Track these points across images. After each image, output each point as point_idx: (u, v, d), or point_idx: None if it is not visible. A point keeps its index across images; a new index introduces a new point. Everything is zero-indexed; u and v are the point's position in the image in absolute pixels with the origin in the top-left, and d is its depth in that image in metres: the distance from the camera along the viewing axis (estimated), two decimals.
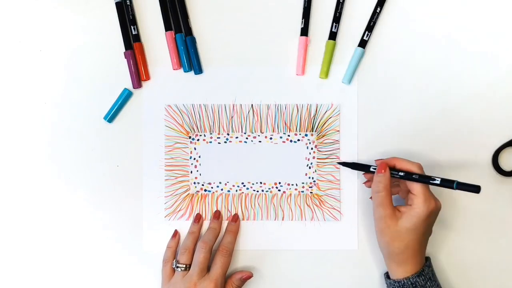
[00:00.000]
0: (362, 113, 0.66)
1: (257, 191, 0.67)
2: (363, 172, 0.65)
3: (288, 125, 0.67)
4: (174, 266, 0.63)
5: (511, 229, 0.66)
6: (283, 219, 0.67)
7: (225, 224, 0.66)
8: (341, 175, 0.66)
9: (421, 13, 0.67)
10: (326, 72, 0.66)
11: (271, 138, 0.67)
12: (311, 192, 0.66)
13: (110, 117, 0.66)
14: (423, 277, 0.59)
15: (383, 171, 0.59)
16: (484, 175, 0.66)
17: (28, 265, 0.67)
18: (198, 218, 0.66)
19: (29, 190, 0.67)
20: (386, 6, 0.67)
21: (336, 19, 0.66)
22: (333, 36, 0.66)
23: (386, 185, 0.59)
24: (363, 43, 0.66)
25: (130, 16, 0.66)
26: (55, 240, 0.67)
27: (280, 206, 0.67)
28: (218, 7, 0.67)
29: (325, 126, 0.67)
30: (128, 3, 0.66)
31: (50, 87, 0.67)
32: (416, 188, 0.58)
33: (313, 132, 0.67)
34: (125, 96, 0.66)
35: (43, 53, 0.67)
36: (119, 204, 0.66)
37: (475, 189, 0.55)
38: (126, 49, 0.66)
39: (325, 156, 0.66)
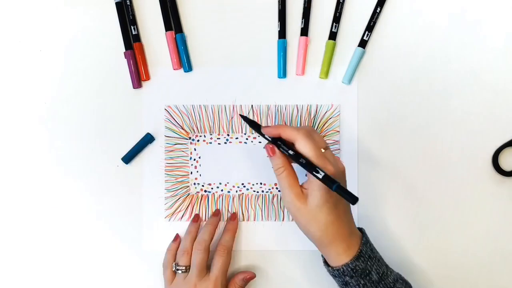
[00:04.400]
0: (362, 113, 0.66)
1: (257, 192, 0.67)
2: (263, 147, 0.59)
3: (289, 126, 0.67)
4: (174, 269, 0.63)
5: (511, 229, 0.66)
6: (283, 220, 0.66)
7: (223, 224, 0.66)
8: None
9: (421, 13, 0.67)
10: (326, 72, 0.66)
11: None
12: None
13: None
14: (362, 258, 0.54)
15: (271, 154, 0.54)
16: (484, 175, 0.66)
17: (28, 265, 0.66)
18: (196, 218, 0.66)
19: (28, 190, 0.66)
20: (386, 6, 0.67)
21: (336, 19, 0.66)
22: (333, 36, 0.67)
23: (284, 163, 0.54)
24: (363, 43, 0.66)
25: (130, 16, 0.66)
26: (55, 240, 0.66)
27: (281, 206, 0.66)
28: (218, 7, 0.67)
29: (325, 126, 0.67)
30: (128, 3, 0.66)
31: (50, 87, 0.67)
32: (304, 152, 0.52)
33: None
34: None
35: (43, 53, 0.67)
36: (119, 204, 0.66)
37: (352, 200, 0.48)
38: (126, 49, 0.66)
39: None
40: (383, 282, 0.55)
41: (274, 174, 0.56)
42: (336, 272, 0.55)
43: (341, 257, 0.54)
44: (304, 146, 0.52)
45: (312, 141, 0.53)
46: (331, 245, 0.54)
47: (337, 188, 0.49)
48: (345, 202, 0.54)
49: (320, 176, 0.50)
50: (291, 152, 0.53)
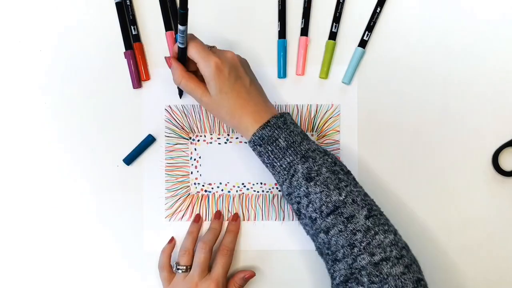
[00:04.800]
0: (362, 113, 0.66)
1: (258, 192, 0.67)
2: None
3: None
4: (174, 269, 0.63)
5: (511, 228, 0.66)
6: (283, 220, 0.67)
7: (225, 224, 0.66)
8: None
9: (421, 13, 0.67)
10: (326, 72, 0.66)
11: None
12: None
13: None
14: (268, 128, 0.56)
15: (169, 63, 0.59)
16: (484, 175, 0.66)
17: (28, 265, 0.66)
18: (198, 219, 0.66)
19: (28, 190, 0.66)
20: (386, 6, 0.67)
21: (336, 19, 0.66)
22: (333, 36, 0.67)
23: (181, 71, 0.58)
24: (363, 43, 0.66)
25: (130, 16, 0.66)
26: (55, 240, 0.66)
27: (281, 206, 0.67)
28: (218, 7, 0.67)
29: (325, 126, 0.67)
30: (128, 3, 0.66)
31: (50, 87, 0.67)
32: (191, 54, 0.57)
33: (313, 132, 0.67)
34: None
35: (43, 53, 0.67)
36: (119, 204, 0.66)
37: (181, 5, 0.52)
38: (126, 49, 0.66)
39: None
40: (292, 149, 0.56)
41: (178, 85, 0.60)
42: (250, 145, 0.58)
43: (250, 131, 0.57)
44: (191, 48, 0.57)
45: (197, 42, 0.57)
46: (240, 124, 0.58)
47: (179, 7, 0.52)
48: (246, 82, 0.58)
49: (179, 23, 0.53)
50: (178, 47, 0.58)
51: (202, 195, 0.67)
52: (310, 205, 0.55)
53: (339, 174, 0.56)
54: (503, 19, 0.67)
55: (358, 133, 0.66)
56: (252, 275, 0.64)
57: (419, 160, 0.66)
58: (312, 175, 0.55)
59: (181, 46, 0.57)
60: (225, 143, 0.67)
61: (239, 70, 0.58)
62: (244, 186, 0.67)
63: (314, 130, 0.67)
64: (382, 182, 0.66)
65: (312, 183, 0.55)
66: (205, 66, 0.56)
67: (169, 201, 0.66)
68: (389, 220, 0.56)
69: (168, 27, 0.66)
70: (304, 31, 0.67)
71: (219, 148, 0.67)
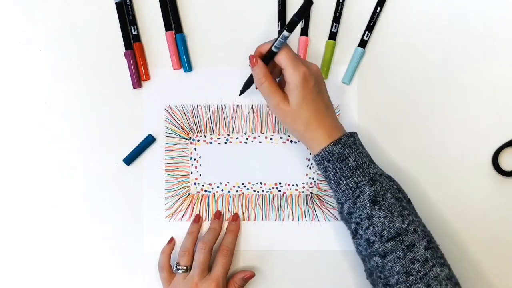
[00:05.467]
0: (362, 113, 0.66)
1: (258, 192, 0.67)
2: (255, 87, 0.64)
3: None
4: (174, 270, 0.63)
5: (511, 228, 0.66)
6: (283, 220, 0.67)
7: (225, 224, 0.66)
8: None
9: (421, 13, 0.67)
10: (326, 72, 0.66)
11: (271, 139, 0.67)
12: (311, 193, 0.66)
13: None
14: (340, 145, 0.57)
15: (255, 62, 0.59)
16: (484, 175, 0.66)
17: (28, 265, 0.66)
18: (198, 219, 0.66)
19: (28, 190, 0.66)
20: (386, 6, 0.67)
21: (336, 19, 0.66)
22: (333, 36, 0.67)
23: (265, 73, 0.58)
24: (363, 43, 0.66)
25: (130, 16, 0.66)
26: (55, 240, 0.66)
27: (281, 206, 0.67)
28: (218, 7, 0.67)
29: None
30: (128, 3, 0.66)
31: (49, 87, 0.67)
32: (281, 61, 0.57)
33: None
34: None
35: (43, 53, 0.67)
36: (119, 204, 0.66)
37: (307, 3, 0.54)
38: (126, 49, 0.66)
39: None
40: (360, 170, 0.57)
41: (257, 86, 0.60)
42: (317, 158, 0.58)
43: (321, 145, 0.58)
44: (282, 53, 0.57)
45: (290, 49, 0.58)
46: (313, 136, 0.58)
47: (295, 15, 0.54)
48: (325, 98, 0.60)
49: (286, 30, 0.55)
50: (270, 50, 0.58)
51: (202, 195, 0.67)
52: (371, 227, 0.56)
53: (403, 201, 0.57)
54: (503, 19, 0.67)
55: (358, 133, 0.66)
56: (252, 275, 0.64)
57: (419, 160, 0.66)
58: (378, 199, 0.56)
59: (275, 50, 0.57)
60: (225, 143, 0.67)
61: (321, 85, 0.59)
62: (244, 186, 0.67)
63: None
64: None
65: (377, 207, 0.56)
66: (293, 74, 0.56)
67: (169, 201, 0.67)
68: (444, 254, 0.58)
69: (168, 27, 0.66)
70: (304, 31, 0.67)
71: (219, 148, 0.67)
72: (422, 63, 0.67)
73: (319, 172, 0.60)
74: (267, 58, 0.59)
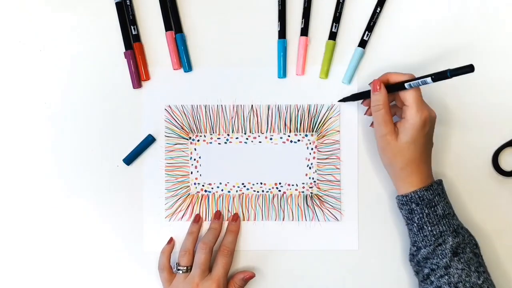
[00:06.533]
0: (362, 113, 0.66)
1: (258, 192, 0.67)
2: (362, 101, 0.65)
3: (288, 126, 0.67)
4: (174, 270, 0.63)
5: (511, 228, 0.66)
6: (283, 220, 0.67)
7: (225, 224, 0.66)
8: (342, 175, 0.66)
9: (421, 13, 0.67)
10: (326, 72, 0.66)
11: (271, 139, 0.67)
12: (311, 193, 0.66)
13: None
14: (431, 191, 0.58)
15: (378, 88, 0.59)
16: (484, 175, 0.66)
17: (28, 265, 0.66)
18: (198, 219, 0.66)
19: (28, 190, 0.66)
20: (386, 6, 0.67)
21: (336, 19, 0.66)
22: (333, 36, 0.67)
23: (384, 102, 0.59)
24: (363, 43, 0.66)
25: (130, 16, 0.66)
26: (55, 240, 0.66)
27: (281, 206, 0.67)
28: (218, 7, 0.67)
29: (325, 126, 0.67)
30: (128, 3, 0.66)
31: (50, 87, 0.67)
32: (408, 98, 0.57)
33: (313, 133, 0.67)
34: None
35: (43, 53, 0.67)
36: (119, 204, 0.66)
37: (469, 69, 0.53)
38: (126, 49, 0.66)
39: (325, 157, 0.66)
40: (446, 219, 0.58)
41: (372, 110, 0.60)
42: (404, 199, 0.59)
43: (413, 187, 0.59)
44: (414, 91, 0.58)
45: (419, 89, 0.59)
46: (408, 177, 0.59)
47: (451, 71, 0.54)
48: (431, 145, 0.60)
49: (430, 79, 0.56)
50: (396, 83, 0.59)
51: (202, 195, 0.67)
52: (446, 277, 0.57)
53: (479, 257, 0.59)
54: (503, 18, 0.67)
55: (358, 133, 0.66)
56: (252, 276, 0.64)
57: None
58: (459, 251, 0.58)
59: (407, 87, 0.57)
60: (225, 143, 0.67)
61: (432, 131, 0.60)
62: (244, 186, 0.67)
63: (314, 130, 0.67)
64: (382, 182, 0.66)
65: (456, 258, 0.57)
66: (416, 114, 0.57)
67: (169, 201, 0.67)
68: None
69: (168, 27, 0.66)
70: (304, 31, 0.67)
71: (219, 148, 0.67)
72: (421, 63, 0.66)
73: (402, 212, 0.61)
74: (392, 88, 0.59)
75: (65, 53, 0.67)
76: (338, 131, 0.67)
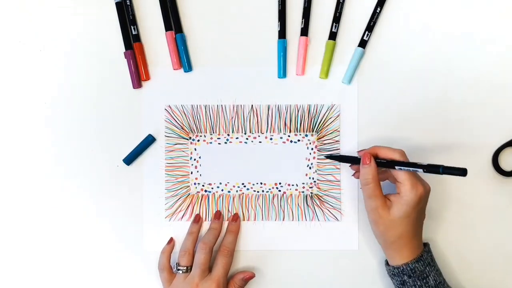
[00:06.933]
0: (362, 113, 0.66)
1: (258, 192, 0.67)
2: (349, 164, 0.64)
3: (288, 126, 0.67)
4: (174, 270, 0.63)
5: (511, 228, 0.66)
6: (283, 220, 0.67)
7: (225, 224, 0.66)
8: (342, 175, 0.66)
9: (421, 13, 0.67)
10: (326, 72, 0.66)
11: (271, 139, 0.67)
12: (311, 193, 0.66)
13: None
14: (421, 262, 0.59)
15: (368, 161, 0.58)
16: (484, 175, 0.66)
17: (28, 265, 0.66)
18: (198, 219, 0.66)
19: (28, 191, 0.66)
20: (386, 6, 0.67)
21: (336, 19, 0.66)
22: (333, 36, 0.67)
23: (374, 176, 0.58)
24: (363, 43, 0.66)
25: (130, 16, 0.66)
26: (55, 240, 0.66)
27: (281, 206, 0.67)
28: (218, 7, 0.67)
29: (325, 126, 0.67)
30: (128, 3, 0.66)
31: (49, 87, 0.67)
32: (401, 176, 0.57)
33: (313, 133, 0.67)
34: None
35: (43, 53, 0.67)
36: (119, 204, 0.66)
37: (461, 172, 0.52)
38: (126, 49, 0.66)
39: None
40: None
41: (360, 184, 0.59)
42: (396, 271, 0.60)
43: (404, 259, 0.59)
44: (403, 172, 0.57)
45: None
46: (399, 250, 0.59)
47: (444, 169, 0.53)
48: (423, 217, 0.60)
49: (422, 170, 0.55)
50: (384, 161, 0.58)
51: (202, 195, 0.67)
52: None
53: None
54: (503, 18, 0.67)
55: (358, 133, 0.66)
56: (252, 276, 0.64)
57: (419, 160, 0.66)
58: None
59: (400, 167, 0.56)
60: (225, 143, 0.67)
61: (425, 207, 0.60)
62: (244, 186, 0.67)
63: (314, 130, 0.67)
64: (382, 182, 0.66)
65: None
66: (411, 191, 0.56)
67: (169, 201, 0.67)
68: None
69: (168, 27, 0.66)
70: (304, 31, 0.67)
71: (219, 148, 0.67)
72: (422, 63, 0.67)
73: (393, 281, 0.61)
74: (382, 163, 0.58)
75: (65, 53, 0.67)
76: (338, 131, 0.67)
